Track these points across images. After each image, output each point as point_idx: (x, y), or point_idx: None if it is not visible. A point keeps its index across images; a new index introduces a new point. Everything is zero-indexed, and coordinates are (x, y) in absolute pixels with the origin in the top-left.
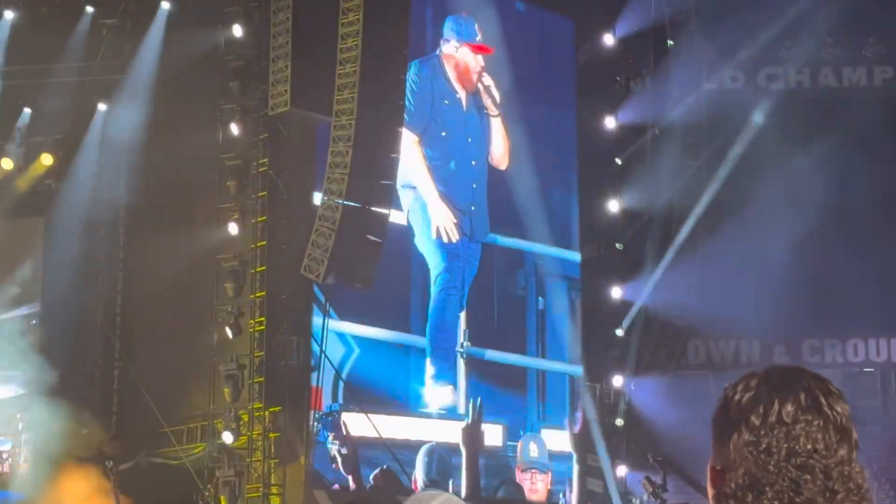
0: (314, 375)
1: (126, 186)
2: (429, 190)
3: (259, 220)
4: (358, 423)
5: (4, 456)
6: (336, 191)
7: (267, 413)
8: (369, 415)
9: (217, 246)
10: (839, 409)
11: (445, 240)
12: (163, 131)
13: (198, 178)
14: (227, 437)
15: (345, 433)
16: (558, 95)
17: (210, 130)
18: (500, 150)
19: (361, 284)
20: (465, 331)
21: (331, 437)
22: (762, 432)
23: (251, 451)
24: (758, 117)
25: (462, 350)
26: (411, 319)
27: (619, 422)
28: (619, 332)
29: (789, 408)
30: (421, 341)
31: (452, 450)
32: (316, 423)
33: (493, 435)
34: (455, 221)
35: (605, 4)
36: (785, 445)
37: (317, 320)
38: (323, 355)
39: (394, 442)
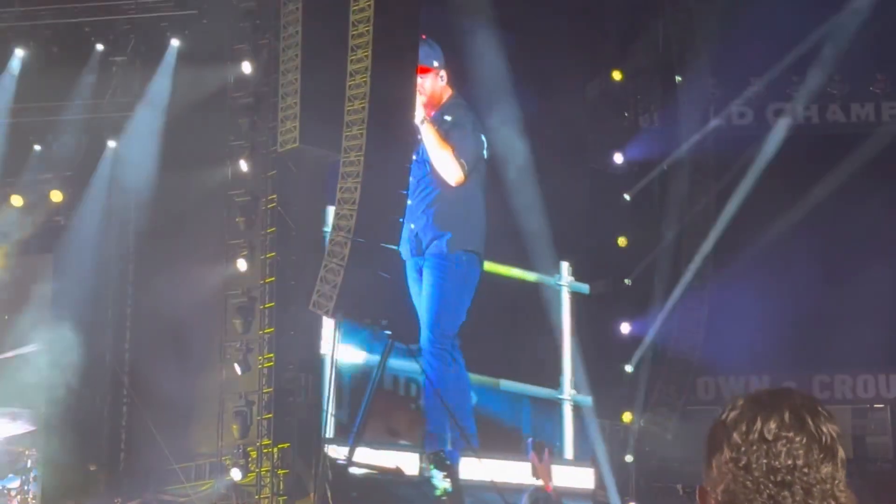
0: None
1: (135, 223)
2: None
3: (268, 256)
4: (468, 467)
5: (13, 493)
6: (345, 227)
7: (275, 450)
8: (481, 458)
9: (226, 282)
10: (825, 428)
11: None
12: (172, 168)
13: (206, 214)
14: (236, 474)
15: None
16: (566, 130)
17: (219, 167)
18: (436, 162)
19: (370, 321)
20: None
21: (441, 476)
22: (743, 449)
23: (260, 487)
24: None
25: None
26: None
27: (629, 458)
28: (628, 369)
29: (772, 425)
30: (530, 389)
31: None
32: (426, 461)
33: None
34: None
35: (613, 41)
36: (764, 462)
37: (361, 356)
38: (329, 395)
39: (507, 486)
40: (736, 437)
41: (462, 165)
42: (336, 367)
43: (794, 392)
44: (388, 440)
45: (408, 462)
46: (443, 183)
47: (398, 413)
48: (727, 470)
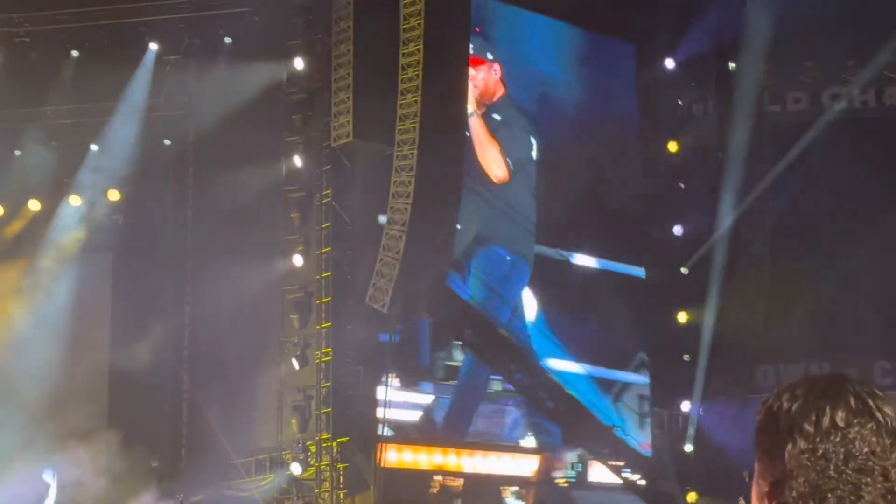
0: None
1: (192, 220)
2: None
3: (323, 250)
4: None
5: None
6: (399, 220)
7: (335, 444)
8: None
9: (282, 277)
10: (888, 411)
11: None
12: (227, 164)
13: (262, 210)
14: (296, 469)
15: None
16: (620, 120)
17: (273, 163)
18: (482, 157)
19: (427, 313)
20: None
21: None
22: (818, 439)
23: (320, 481)
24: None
25: None
26: None
27: (689, 447)
28: (687, 358)
29: (841, 413)
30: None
31: None
32: None
33: None
34: None
35: (666, 29)
36: (842, 450)
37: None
38: (386, 392)
39: None
40: (808, 427)
41: (507, 164)
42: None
43: (848, 377)
44: None
45: None
46: (488, 182)
47: None
48: (805, 461)
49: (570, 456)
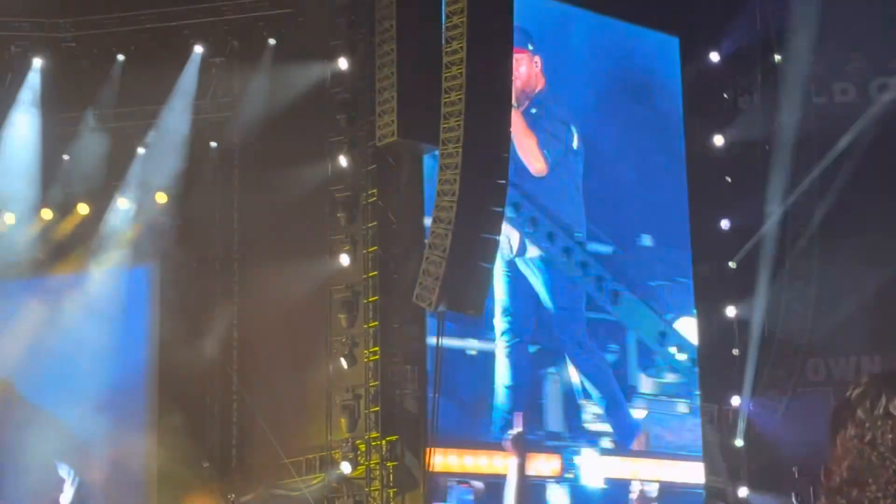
0: None
1: (239, 221)
2: None
3: (370, 250)
4: None
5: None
6: (445, 218)
7: (384, 442)
8: None
9: (329, 277)
10: None
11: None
12: (273, 166)
13: (308, 210)
14: (346, 468)
15: None
16: (666, 114)
17: (319, 163)
18: (520, 150)
19: (473, 311)
20: None
21: None
22: (867, 425)
23: (369, 480)
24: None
25: None
26: None
27: (739, 442)
28: (736, 352)
29: None
30: None
31: None
32: None
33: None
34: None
35: (711, 21)
36: (890, 437)
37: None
38: (436, 387)
39: None
40: (860, 413)
41: (545, 157)
42: None
43: None
44: None
45: None
46: (528, 176)
47: None
48: (852, 446)
49: None
